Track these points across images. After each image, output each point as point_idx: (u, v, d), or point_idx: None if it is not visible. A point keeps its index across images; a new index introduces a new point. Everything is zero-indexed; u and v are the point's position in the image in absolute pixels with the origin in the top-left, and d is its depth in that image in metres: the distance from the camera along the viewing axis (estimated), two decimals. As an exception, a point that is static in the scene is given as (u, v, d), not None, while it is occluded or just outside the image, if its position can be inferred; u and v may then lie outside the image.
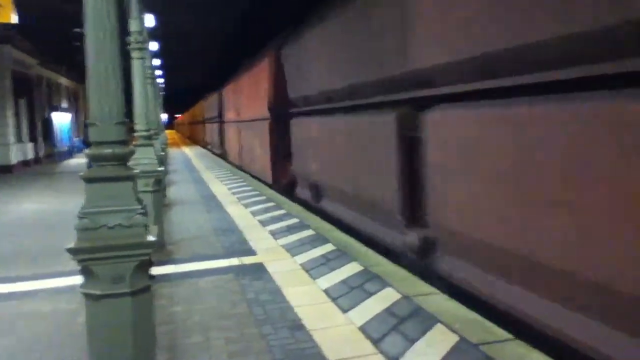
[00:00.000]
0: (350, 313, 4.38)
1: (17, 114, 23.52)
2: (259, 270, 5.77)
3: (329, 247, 6.62)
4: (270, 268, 5.81)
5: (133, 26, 6.48)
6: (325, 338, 3.89)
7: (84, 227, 2.49)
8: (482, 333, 3.85)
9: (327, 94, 9.09)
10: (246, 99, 17.46)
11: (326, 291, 4.97)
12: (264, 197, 11.41)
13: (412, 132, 5.98)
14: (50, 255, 6.57)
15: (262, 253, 6.53)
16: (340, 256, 6.17)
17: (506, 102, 4.39)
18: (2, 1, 15.57)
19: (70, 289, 4.96)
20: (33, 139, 26.08)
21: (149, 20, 13.79)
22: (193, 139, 50.60)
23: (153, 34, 15.73)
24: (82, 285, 2.54)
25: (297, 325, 4.16)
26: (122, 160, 2.60)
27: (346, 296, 4.80)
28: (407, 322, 4.13)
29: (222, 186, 13.97)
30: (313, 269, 5.70)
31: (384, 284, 5.08)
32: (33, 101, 26.36)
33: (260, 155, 14.83)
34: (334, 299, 4.74)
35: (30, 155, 25.26)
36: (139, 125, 6.73)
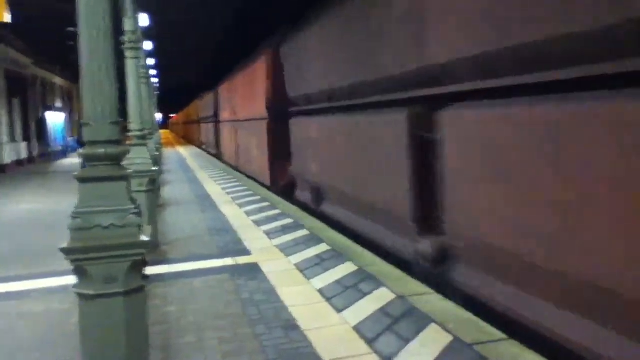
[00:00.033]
0: (345, 313, 4.39)
1: (10, 114, 23.44)
2: (253, 270, 5.77)
3: (323, 247, 6.62)
4: (264, 268, 5.81)
5: (127, 25, 6.47)
6: (319, 338, 3.89)
7: (77, 227, 2.48)
8: (476, 333, 3.86)
9: (329, 93, 8.77)
10: (243, 98, 17.18)
11: (321, 291, 4.97)
12: (258, 197, 11.40)
13: (426, 132, 5.61)
14: (43, 255, 6.54)
15: (257, 253, 6.52)
16: (335, 256, 6.17)
17: (539, 100, 4.01)
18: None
19: (63, 289, 4.94)
20: (27, 138, 26.00)
21: (143, 20, 13.76)
22: (188, 139, 50.49)
23: (147, 34, 15.71)
24: (75, 285, 2.54)
25: (291, 325, 4.16)
26: (116, 160, 2.60)
27: (340, 296, 4.81)
28: (402, 322, 4.14)
29: (216, 186, 13.95)
30: (307, 269, 5.70)
31: (378, 283, 5.08)
32: (27, 101, 26.28)
33: (258, 156, 14.52)
34: (328, 299, 4.74)
35: (24, 154, 25.17)
36: (133, 124, 6.72)
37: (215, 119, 25.92)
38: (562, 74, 3.73)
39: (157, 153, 14.96)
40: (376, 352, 3.63)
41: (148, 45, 18.67)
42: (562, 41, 3.68)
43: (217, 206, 10.43)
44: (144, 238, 2.58)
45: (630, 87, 3.25)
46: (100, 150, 2.53)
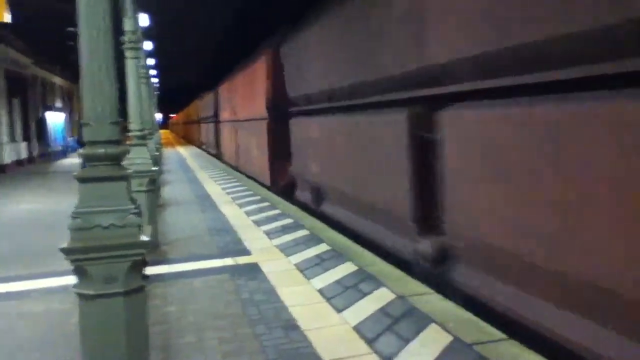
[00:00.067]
0: (345, 313, 4.38)
1: (10, 114, 23.45)
2: (253, 270, 5.76)
3: (323, 247, 6.62)
4: (264, 268, 5.81)
5: (127, 25, 6.48)
6: (319, 338, 3.89)
7: (77, 227, 2.48)
8: (476, 333, 3.86)
9: (330, 93, 8.71)
10: (243, 98, 17.08)
11: (320, 291, 4.97)
12: (258, 197, 11.39)
13: (426, 132, 5.57)
14: (43, 255, 6.54)
15: (257, 253, 6.52)
16: (335, 256, 6.17)
17: (539, 100, 3.97)
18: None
19: (63, 289, 4.94)
20: (27, 138, 26.01)
21: (143, 20, 13.76)
22: (188, 139, 50.48)
23: (147, 34, 15.71)
24: (75, 285, 2.54)
25: (292, 325, 4.15)
26: (116, 160, 2.60)
27: (340, 296, 4.80)
28: (402, 321, 4.14)
29: (216, 186, 13.95)
30: (307, 269, 5.70)
31: (378, 283, 5.08)
32: (27, 101, 26.29)
33: (258, 155, 14.41)
34: (328, 299, 4.74)
35: (24, 154, 25.18)
36: (133, 124, 6.73)
37: (215, 119, 25.87)
38: (562, 74, 3.72)
39: (157, 153, 14.96)
40: (376, 352, 3.63)
41: (148, 46, 18.67)
42: (562, 41, 3.67)
43: (217, 206, 10.43)
44: (144, 238, 2.58)
45: (630, 87, 3.24)
46: (100, 150, 2.53)
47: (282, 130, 11.95)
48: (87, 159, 2.57)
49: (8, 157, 22.10)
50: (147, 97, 12.14)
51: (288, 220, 8.52)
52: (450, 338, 3.79)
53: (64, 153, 31.85)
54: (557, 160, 3.80)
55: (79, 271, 2.50)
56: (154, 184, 7.14)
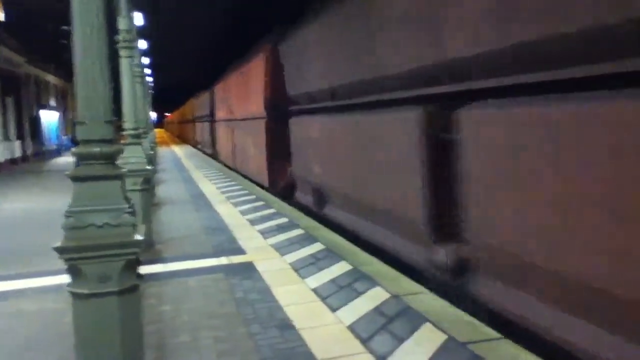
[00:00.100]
0: (339, 312, 4.39)
1: (4, 112, 23.34)
2: (248, 269, 5.76)
3: (318, 247, 6.62)
4: (259, 267, 5.81)
5: (122, 24, 6.44)
6: (314, 337, 3.89)
7: (71, 226, 2.47)
8: (470, 332, 3.87)
9: (333, 90, 8.27)
10: (240, 96, 16.61)
11: (315, 290, 4.97)
12: (253, 197, 11.39)
13: (443, 132, 5.16)
14: (37, 254, 6.51)
15: (252, 252, 6.52)
16: (330, 255, 6.17)
17: (579, 98, 3.56)
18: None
19: (57, 288, 4.92)
20: (20, 137, 25.89)
21: (138, 19, 13.72)
22: (183, 138, 50.38)
23: (142, 33, 15.67)
24: (69, 285, 2.53)
25: (286, 325, 4.16)
26: (110, 158, 2.59)
27: (335, 295, 4.81)
28: (396, 321, 4.14)
29: (211, 185, 13.92)
30: (302, 268, 5.70)
31: (373, 283, 5.09)
32: (21, 99, 26.17)
33: (256, 156, 14.02)
34: (323, 298, 4.74)
35: (18, 153, 25.08)
36: (128, 123, 6.70)
37: (211, 118, 25.59)
38: (606, 68, 3.34)
39: (152, 152, 14.91)
40: (371, 351, 3.64)
41: (143, 45, 18.62)
42: (605, 33, 3.31)
43: (212, 205, 10.41)
44: (138, 237, 2.58)
45: None
46: (95, 149, 2.52)
47: (280, 130, 11.62)
48: (81, 158, 2.56)
49: (2, 156, 22.03)
50: (141, 96, 12.10)
51: (283, 220, 8.52)
52: (444, 337, 3.80)
53: (58, 152, 31.74)
54: (600, 162, 3.37)
55: (72, 270, 2.49)
56: (149, 183, 7.13)
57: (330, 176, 8.70)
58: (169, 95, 63.60)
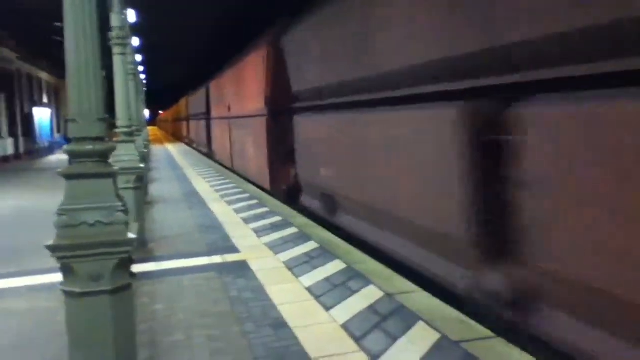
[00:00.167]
0: (333, 311, 4.39)
1: (-4, 109, 23.20)
2: (242, 268, 5.75)
3: (312, 245, 6.62)
4: (253, 266, 5.80)
5: (115, 21, 6.42)
6: (307, 336, 3.89)
7: (63, 224, 2.46)
8: (463, 331, 3.88)
9: (348, 85, 7.34)
10: (239, 93, 15.80)
11: (309, 289, 4.97)
12: (247, 195, 11.37)
13: (494, 132, 4.33)
14: (28, 252, 6.47)
15: (245, 251, 6.50)
16: (324, 254, 6.17)
17: None
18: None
19: (50, 286, 4.90)
20: (13, 134, 25.73)
21: (131, 16, 13.65)
22: (177, 137, 50.20)
23: (135, 30, 15.58)
24: (61, 283, 2.51)
25: (280, 323, 4.15)
26: (103, 156, 2.57)
27: (329, 294, 4.81)
28: (390, 319, 4.15)
29: (205, 183, 13.89)
30: (296, 267, 5.69)
31: (367, 281, 5.09)
32: (13, 96, 26.00)
33: (256, 156, 13.25)
34: (317, 297, 4.74)
35: (10, 151, 24.94)
36: (121, 121, 6.68)
37: (207, 115, 24.97)
38: None
39: (145, 150, 14.86)
40: (364, 349, 3.64)
41: (136, 42, 18.53)
42: None
43: (206, 203, 10.39)
44: (131, 235, 2.56)
45: None
46: (87, 147, 2.51)
47: (283, 128, 10.82)
48: (73, 156, 2.54)
49: (-6, 154, 21.90)
50: (134, 94, 12.05)
51: (277, 218, 8.51)
52: (438, 336, 3.81)
53: (51, 149, 31.56)
54: None
55: (65, 269, 2.47)
56: (142, 181, 7.11)
57: (343, 181, 7.91)
58: (162, 93, 63.42)
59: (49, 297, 4.79)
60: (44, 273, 5.44)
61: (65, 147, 2.63)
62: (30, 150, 28.22)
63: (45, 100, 34.76)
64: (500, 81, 4.21)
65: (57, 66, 33.14)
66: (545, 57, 3.73)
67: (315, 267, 5.64)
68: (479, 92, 4.53)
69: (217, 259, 6.15)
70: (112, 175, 2.61)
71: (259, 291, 4.95)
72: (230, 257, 6.20)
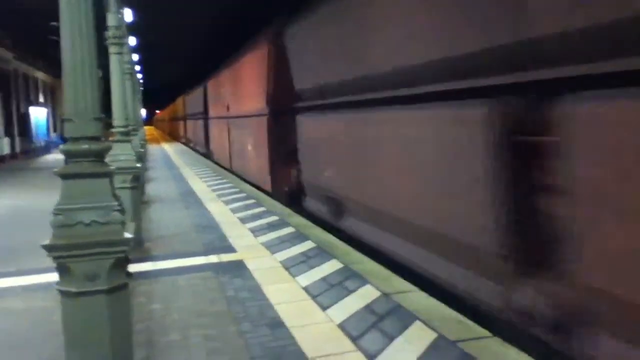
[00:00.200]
0: (330, 310, 4.39)
1: (-8, 109, 23.11)
2: (238, 267, 5.75)
3: (309, 245, 6.62)
4: (250, 265, 5.79)
5: (111, 21, 6.40)
6: (304, 335, 3.89)
7: (59, 224, 2.45)
8: (460, 330, 3.89)
9: (361, 82, 6.85)
10: (238, 92, 15.50)
11: (306, 289, 4.97)
12: (244, 194, 11.36)
13: (526, 132, 3.99)
14: (24, 252, 6.45)
15: (242, 250, 6.50)
16: (321, 254, 6.17)
17: None
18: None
19: (46, 286, 4.89)
20: (9, 134, 25.64)
21: (127, 15, 13.61)
22: (174, 136, 50.10)
23: (132, 29, 15.56)
24: (57, 283, 2.51)
25: (277, 323, 4.15)
26: (99, 156, 2.57)
27: (326, 294, 4.81)
28: (386, 319, 4.15)
29: (201, 183, 13.87)
30: (293, 267, 5.69)
31: (363, 281, 5.09)
32: (9, 96, 25.91)
33: (256, 157, 12.92)
34: (313, 297, 4.74)
35: (7, 150, 24.84)
36: (117, 121, 6.67)
37: (205, 115, 24.68)
38: None
39: (142, 150, 14.82)
40: (361, 349, 3.64)
41: (132, 41, 18.48)
42: None
43: (202, 203, 10.38)
44: (127, 235, 2.56)
45: None
46: (83, 147, 2.50)
47: (284, 128, 10.45)
48: (69, 155, 2.54)
49: (-10, 153, 21.81)
50: (131, 93, 12.02)
51: (274, 218, 8.51)
52: (434, 335, 3.81)
53: (47, 149, 31.46)
54: None
55: (61, 268, 2.47)
56: (138, 181, 7.09)
57: (351, 184, 7.54)
58: (159, 92, 63.27)
59: (45, 297, 4.78)
60: (40, 272, 5.42)
61: (61, 146, 2.62)
62: (26, 149, 28.12)
63: (41, 99, 34.64)
64: (535, 77, 3.82)
65: (54, 65, 33.05)
66: (593, 51, 3.34)
67: (312, 267, 5.64)
68: (506, 90, 4.18)
69: (213, 259, 6.14)
70: (109, 175, 2.60)
71: (256, 291, 4.95)
72: (227, 257, 6.20)
